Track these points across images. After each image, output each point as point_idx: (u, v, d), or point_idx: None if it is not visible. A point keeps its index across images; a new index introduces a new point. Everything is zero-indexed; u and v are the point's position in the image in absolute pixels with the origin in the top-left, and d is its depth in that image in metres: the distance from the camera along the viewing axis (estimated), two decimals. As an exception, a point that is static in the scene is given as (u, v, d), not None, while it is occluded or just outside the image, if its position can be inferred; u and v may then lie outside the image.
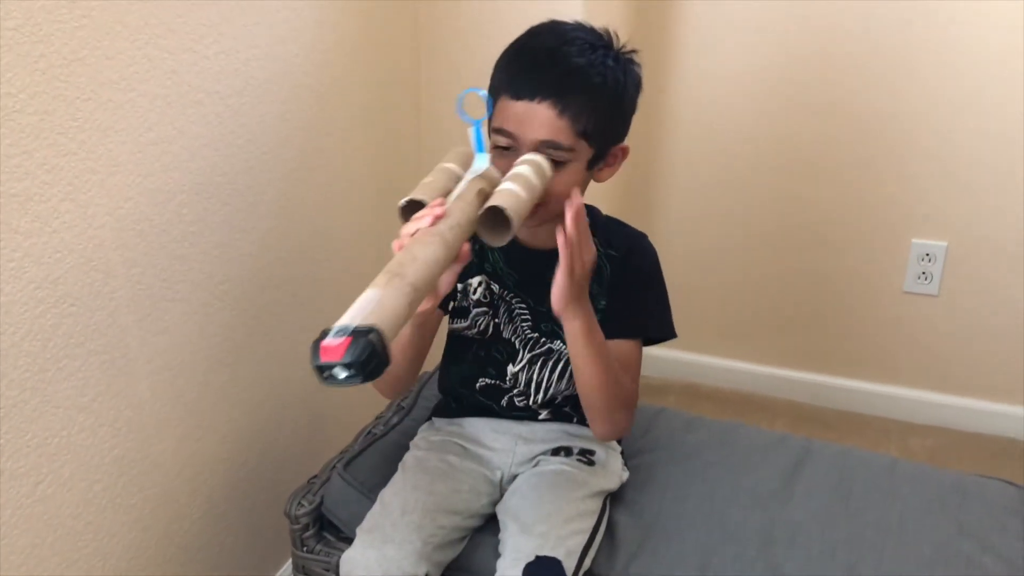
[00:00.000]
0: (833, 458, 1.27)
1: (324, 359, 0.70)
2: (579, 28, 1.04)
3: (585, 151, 1.01)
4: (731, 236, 2.03)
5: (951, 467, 1.70)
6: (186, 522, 1.23)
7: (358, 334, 0.70)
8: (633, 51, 1.05)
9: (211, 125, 1.14)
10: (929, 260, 1.89)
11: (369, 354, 0.70)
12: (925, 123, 1.80)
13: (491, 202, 0.88)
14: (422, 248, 0.81)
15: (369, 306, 0.74)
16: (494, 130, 1.02)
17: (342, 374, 0.70)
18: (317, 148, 1.34)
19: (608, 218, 1.16)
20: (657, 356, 2.06)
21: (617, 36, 1.05)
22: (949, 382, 1.98)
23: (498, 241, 0.90)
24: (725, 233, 2.03)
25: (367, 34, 1.47)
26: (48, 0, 0.88)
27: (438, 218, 0.85)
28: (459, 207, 0.87)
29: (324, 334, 0.71)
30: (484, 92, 0.96)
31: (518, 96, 0.99)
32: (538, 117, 0.98)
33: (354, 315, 0.73)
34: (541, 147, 0.99)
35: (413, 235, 0.84)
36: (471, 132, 0.93)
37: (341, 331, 0.71)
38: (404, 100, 1.66)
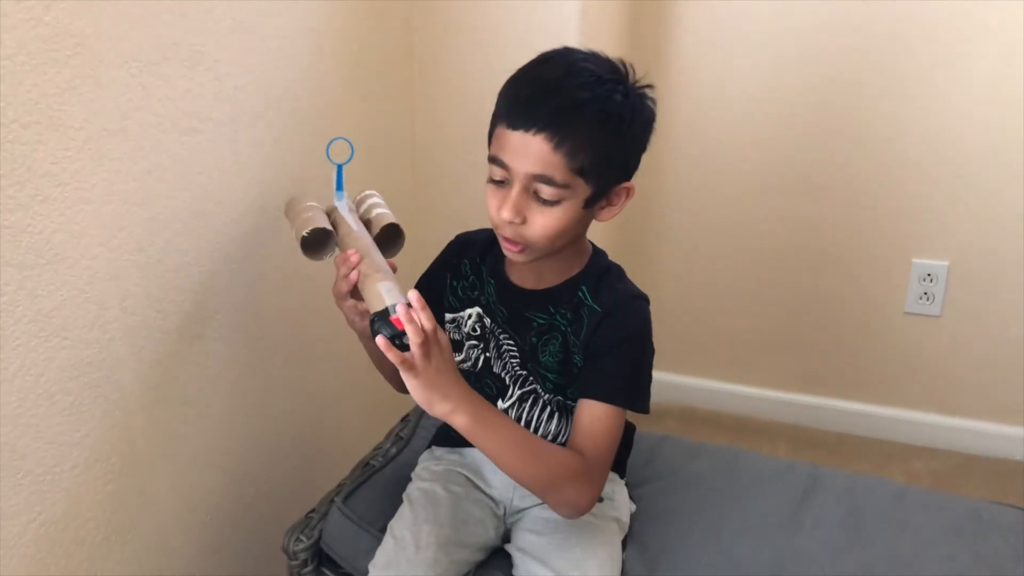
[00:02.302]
0: (841, 486, 1.25)
1: (400, 328, 0.91)
2: (590, 59, 0.98)
3: (582, 189, 0.96)
4: (729, 257, 2.02)
5: (956, 490, 1.69)
6: (181, 559, 1.20)
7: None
8: (647, 86, 1.00)
9: (206, 152, 1.12)
10: (931, 280, 1.88)
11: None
12: (924, 142, 1.80)
13: (386, 222, 1.11)
14: (374, 265, 1.03)
15: (396, 288, 0.96)
16: (490, 159, 0.98)
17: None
18: (312, 176, 1.32)
19: (611, 267, 1.08)
20: (655, 380, 2.04)
21: (633, 69, 0.99)
22: (952, 404, 1.97)
23: (395, 252, 1.11)
24: (722, 254, 2.02)
25: (362, 60, 1.46)
26: (42, 29, 0.86)
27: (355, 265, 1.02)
28: (366, 239, 1.07)
29: (384, 315, 0.92)
30: (349, 141, 1.09)
31: (514, 126, 0.94)
32: (532, 150, 0.93)
33: (395, 297, 0.95)
34: (534, 181, 0.95)
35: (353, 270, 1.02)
36: (335, 173, 1.09)
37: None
38: (399, 127, 1.65)
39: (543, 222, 0.96)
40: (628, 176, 1.02)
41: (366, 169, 1.52)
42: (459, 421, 0.93)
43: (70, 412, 0.98)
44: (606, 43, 1.67)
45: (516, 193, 0.95)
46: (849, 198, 1.89)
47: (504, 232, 0.99)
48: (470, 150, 1.67)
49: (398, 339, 0.90)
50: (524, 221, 0.96)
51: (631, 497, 1.19)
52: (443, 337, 0.93)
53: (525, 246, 0.99)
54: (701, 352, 2.12)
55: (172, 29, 1.03)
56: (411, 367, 0.90)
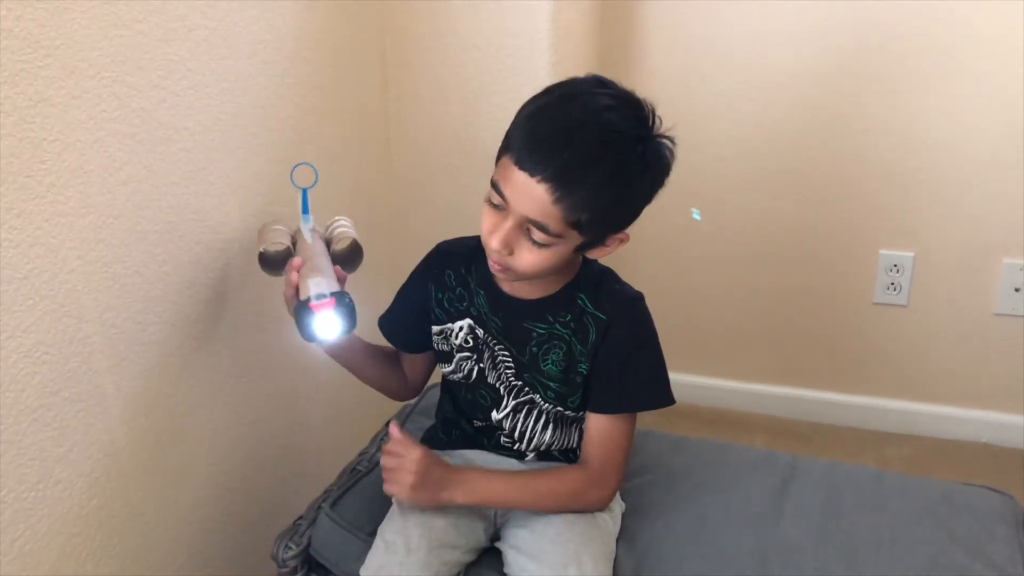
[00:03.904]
0: (820, 474, 1.27)
1: (317, 311, 0.97)
2: (615, 106, 0.94)
3: (574, 238, 0.96)
4: (702, 254, 2.04)
5: (928, 474, 1.72)
6: (169, 570, 1.19)
7: (337, 295, 0.99)
8: (668, 138, 0.98)
9: (181, 162, 1.11)
10: (897, 271, 1.92)
11: (350, 304, 1.00)
12: (889, 138, 1.83)
13: (347, 239, 1.15)
14: (311, 265, 1.07)
15: (324, 282, 1.00)
16: (492, 182, 0.97)
17: (336, 325, 0.99)
18: (288, 183, 1.32)
19: (604, 271, 1.10)
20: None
21: (660, 120, 0.97)
22: (921, 391, 2.01)
23: (353, 268, 1.16)
24: (695, 251, 2.04)
25: (335, 66, 1.46)
26: (11, 41, 0.85)
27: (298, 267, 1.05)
28: (316, 247, 1.11)
29: (306, 302, 0.98)
30: (313, 166, 1.13)
31: (520, 165, 0.92)
32: (533, 195, 0.92)
33: (320, 289, 0.99)
34: (527, 222, 0.95)
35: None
36: (300, 197, 1.13)
37: (321, 296, 0.98)
38: (374, 132, 1.65)
39: (530, 259, 0.97)
40: (624, 228, 1.01)
41: (342, 175, 1.52)
42: (460, 500, 1.05)
43: (52, 427, 0.97)
44: (577, 45, 1.69)
45: (508, 227, 0.96)
46: (817, 193, 1.92)
47: (491, 256, 1.00)
48: (446, 153, 1.67)
49: (310, 315, 0.98)
50: (512, 253, 0.98)
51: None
52: (410, 452, 1.03)
53: (509, 269, 1.00)
54: (677, 347, 2.10)
55: (145, 38, 1.02)
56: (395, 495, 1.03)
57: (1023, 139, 1.75)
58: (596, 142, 0.92)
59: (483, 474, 1.07)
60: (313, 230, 1.14)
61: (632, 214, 1.00)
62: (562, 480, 1.06)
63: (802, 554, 1.12)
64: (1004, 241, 1.84)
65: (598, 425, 1.07)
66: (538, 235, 0.95)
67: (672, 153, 0.98)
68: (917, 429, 2.02)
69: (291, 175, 1.10)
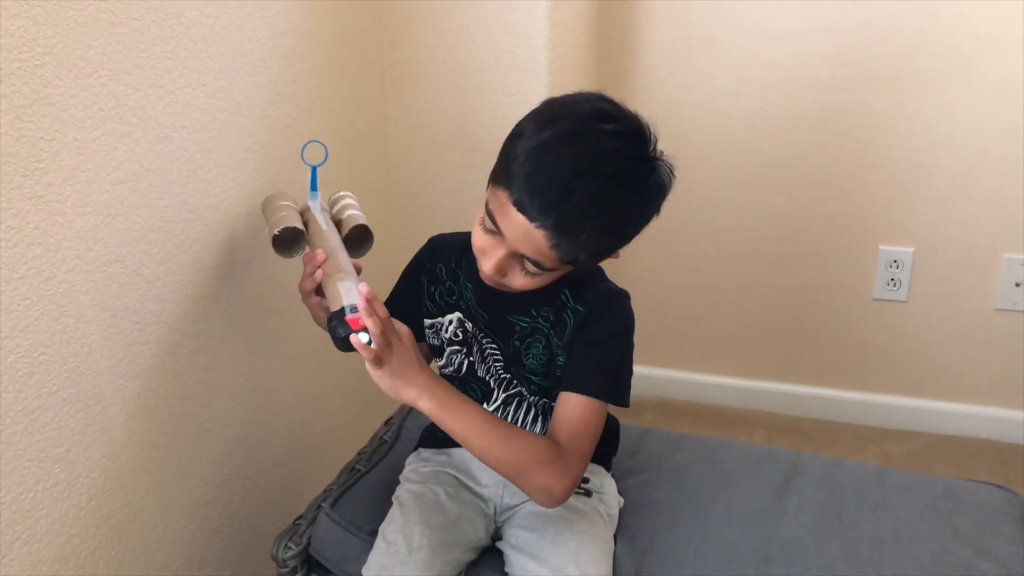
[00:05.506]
0: (821, 471, 1.27)
1: (355, 326, 0.94)
2: (618, 149, 0.92)
3: (567, 269, 0.98)
4: (702, 251, 2.04)
5: (930, 470, 1.73)
6: (168, 570, 1.19)
7: None
8: (668, 164, 0.96)
9: (179, 161, 1.11)
10: (897, 267, 1.92)
11: None
12: (889, 133, 1.83)
13: (356, 223, 1.15)
14: (337, 265, 1.05)
15: (356, 288, 0.96)
16: (488, 210, 0.95)
17: (366, 337, 0.94)
18: (287, 181, 1.32)
19: (590, 268, 1.07)
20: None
21: (656, 144, 0.95)
22: (922, 387, 2.01)
23: (363, 252, 1.16)
24: (696, 248, 2.04)
25: (333, 63, 1.45)
26: (7, 39, 0.85)
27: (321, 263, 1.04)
28: (334, 238, 1.10)
29: (340, 314, 0.95)
30: (323, 143, 1.14)
31: (520, 208, 0.90)
32: (531, 238, 0.91)
33: (354, 298, 0.97)
34: (520, 255, 0.95)
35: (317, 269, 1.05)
36: (310, 174, 1.14)
37: (354, 309, 0.95)
38: (372, 129, 1.64)
39: (524, 282, 0.98)
40: (616, 252, 1.01)
41: (341, 171, 1.52)
42: (424, 406, 0.97)
43: (51, 428, 0.96)
44: (574, 42, 1.69)
45: (502, 255, 0.96)
46: (817, 189, 1.91)
47: (483, 275, 1.00)
48: (444, 149, 1.67)
49: (348, 329, 0.94)
50: (505, 276, 0.98)
51: (618, 490, 1.20)
52: (401, 327, 0.97)
53: (501, 285, 1.00)
54: (677, 345, 2.13)
55: (142, 37, 1.01)
56: (376, 360, 0.93)
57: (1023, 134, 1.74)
58: (599, 192, 0.90)
59: (458, 395, 1.00)
60: (323, 210, 1.15)
61: (627, 243, 0.99)
62: (535, 442, 1.00)
63: (805, 552, 1.11)
64: (1005, 236, 1.84)
65: (565, 403, 1.03)
66: (532, 268, 0.96)
67: (671, 178, 0.97)
68: (918, 425, 2.02)
69: (302, 152, 1.12)
